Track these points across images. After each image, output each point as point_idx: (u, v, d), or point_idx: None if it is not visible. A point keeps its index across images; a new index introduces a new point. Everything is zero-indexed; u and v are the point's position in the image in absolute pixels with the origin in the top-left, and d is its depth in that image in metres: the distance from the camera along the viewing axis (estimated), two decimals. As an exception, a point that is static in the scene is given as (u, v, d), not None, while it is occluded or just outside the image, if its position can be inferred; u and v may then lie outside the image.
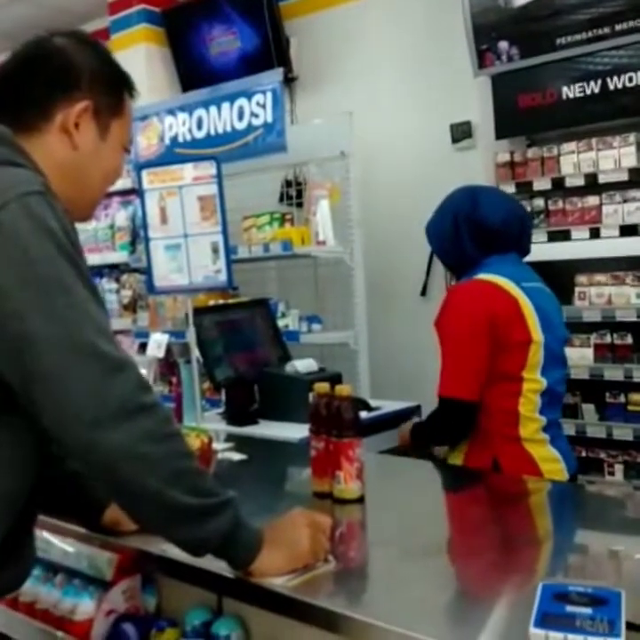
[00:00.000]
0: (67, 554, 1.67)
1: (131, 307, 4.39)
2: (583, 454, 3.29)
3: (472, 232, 2.19)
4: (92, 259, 4.56)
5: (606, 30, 3.16)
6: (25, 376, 1.11)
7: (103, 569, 1.59)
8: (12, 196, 1.13)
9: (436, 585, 1.37)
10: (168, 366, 3.94)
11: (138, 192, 2.93)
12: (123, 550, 1.57)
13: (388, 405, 2.92)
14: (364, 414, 2.61)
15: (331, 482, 1.76)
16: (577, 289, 3.29)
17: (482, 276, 2.14)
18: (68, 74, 1.30)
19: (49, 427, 1.12)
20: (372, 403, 2.90)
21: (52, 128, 1.28)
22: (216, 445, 2.22)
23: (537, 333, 2.07)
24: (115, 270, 4.55)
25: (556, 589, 1.14)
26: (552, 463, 2.09)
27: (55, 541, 1.69)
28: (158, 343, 3.18)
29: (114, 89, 1.35)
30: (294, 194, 4.11)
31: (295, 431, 2.45)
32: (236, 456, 2.24)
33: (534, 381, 2.08)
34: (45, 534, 1.69)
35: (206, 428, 2.51)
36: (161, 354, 3.15)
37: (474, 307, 2.09)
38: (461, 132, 3.97)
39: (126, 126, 1.39)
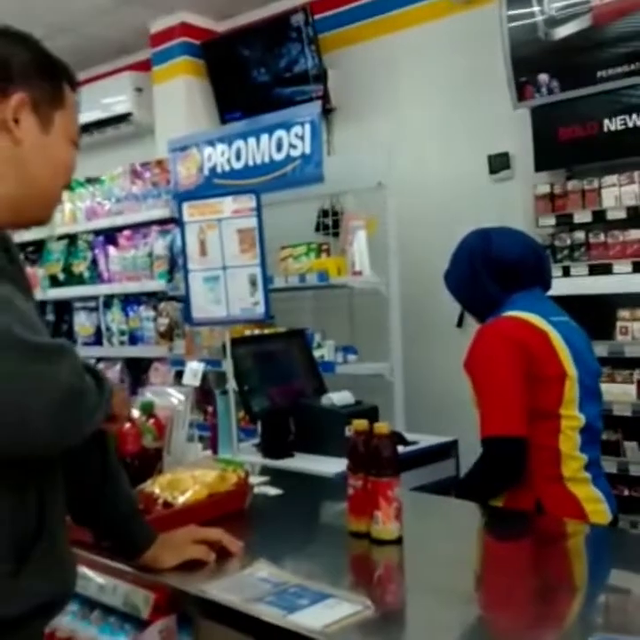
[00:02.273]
0: (103, 590, 1.66)
1: (167, 335, 4.41)
2: (626, 493, 3.21)
3: (490, 270, 2.17)
4: (131, 286, 4.62)
5: (648, 63, 3.15)
6: None
7: (139, 607, 1.58)
8: None
9: (477, 635, 1.34)
10: (203, 394, 3.96)
11: (177, 222, 2.97)
12: (159, 588, 1.56)
13: (425, 440, 2.89)
14: (400, 449, 2.59)
15: (368, 521, 1.73)
16: (618, 324, 3.23)
17: (508, 313, 2.11)
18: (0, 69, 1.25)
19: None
20: (408, 436, 2.88)
21: None
22: (251, 479, 2.21)
23: (570, 368, 2.04)
24: (152, 298, 4.59)
25: (603, 645, 1.10)
26: (595, 504, 2.04)
27: (93, 576, 1.69)
28: (194, 372, 3.19)
29: (51, 80, 1.31)
30: (331, 224, 4.12)
31: (331, 465, 2.43)
32: (272, 491, 2.22)
33: (572, 418, 2.04)
34: (83, 569, 1.68)
35: (242, 460, 2.51)
36: (197, 382, 3.16)
37: (505, 342, 2.05)
38: (499, 164, 3.95)
39: (71, 118, 1.34)
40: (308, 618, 1.32)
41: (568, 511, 1.99)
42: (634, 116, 3.25)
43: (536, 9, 3.43)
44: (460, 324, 4.12)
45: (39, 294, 4.98)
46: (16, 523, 1.19)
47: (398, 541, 1.71)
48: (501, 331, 2.09)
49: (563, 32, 3.36)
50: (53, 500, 1.27)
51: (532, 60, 3.47)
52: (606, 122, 3.33)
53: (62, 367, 1.11)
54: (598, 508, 2.04)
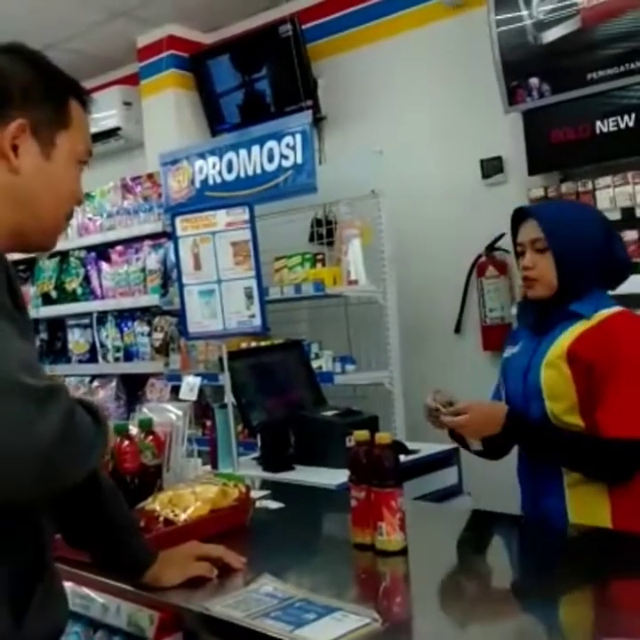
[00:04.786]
0: (107, 610, 1.64)
1: (163, 349, 4.39)
2: None
3: (605, 265, 1.99)
4: (124, 302, 4.60)
5: (639, 64, 3.14)
6: None
7: (144, 626, 1.55)
8: None
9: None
10: (201, 409, 3.93)
11: (170, 236, 2.95)
12: (163, 607, 1.53)
13: (426, 448, 2.87)
14: (401, 458, 2.56)
15: (372, 533, 1.71)
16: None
17: (621, 308, 1.97)
18: None
19: None
20: (409, 445, 2.85)
21: None
22: (253, 494, 2.18)
23: None
24: (146, 313, 4.56)
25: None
26: None
27: (95, 597, 1.66)
28: (191, 386, 3.17)
29: (54, 100, 1.24)
30: (325, 233, 4.10)
31: (332, 477, 2.41)
32: (273, 504, 2.20)
33: None
34: (85, 590, 1.67)
35: (242, 474, 2.48)
36: (194, 397, 3.14)
37: None
38: (492, 168, 3.95)
39: (78, 137, 1.28)
40: (316, 632, 1.30)
41: None
42: (626, 117, 3.25)
43: (524, 13, 3.43)
44: (457, 329, 4.11)
45: (31, 313, 4.94)
46: (12, 566, 1.14)
47: (403, 552, 1.68)
48: None
49: (552, 35, 3.37)
50: (50, 536, 1.24)
51: (522, 63, 3.47)
52: (598, 123, 3.32)
53: (50, 410, 1.04)
54: None
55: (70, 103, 1.27)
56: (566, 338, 1.95)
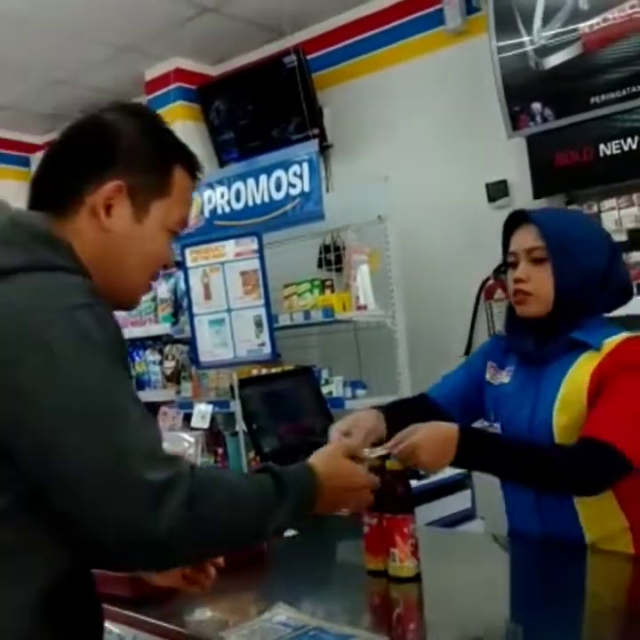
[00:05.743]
0: (122, 641, 1.64)
1: (174, 377, 4.41)
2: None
3: (610, 286, 1.78)
4: (136, 331, 4.62)
5: (641, 87, 3.18)
6: (66, 509, 1.02)
7: (159, 657, 1.56)
8: (57, 311, 1.03)
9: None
10: (212, 436, 3.94)
11: (181, 267, 2.99)
12: (179, 638, 1.54)
13: (438, 472, 2.86)
14: (413, 483, 2.56)
15: (385, 560, 1.71)
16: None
17: (629, 334, 1.79)
18: (101, 152, 1.20)
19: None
20: (421, 470, 2.84)
21: (84, 211, 1.19)
22: (266, 521, 2.19)
23: None
24: (158, 342, 4.59)
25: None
26: None
27: (112, 628, 1.66)
28: (203, 414, 3.19)
29: (159, 168, 1.23)
30: (333, 259, 4.13)
31: (345, 503, 2.40)
32: (287, 532, 2.20)
33: None
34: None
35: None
36: (206, 425, 3.16)
37: None
38: (498, 191, 3.97)
39: (174, 207, 1.25)
40: (330, 661, 1.30)
41: None
42: (629, 139, 3.28)
43: (526, 39, 3.47)
44: (467, 351, 4.11)
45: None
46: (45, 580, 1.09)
47: (416, 578, 1.68)
48: None
49: (554, 61, 3.41)
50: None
51: (525, 89, 3.51)
52: (602, 146, 3.35)
53: (166, 504, 1.01)
54: None
55: (175, 173, 1.25)
56: (580, 374, 1.73)
